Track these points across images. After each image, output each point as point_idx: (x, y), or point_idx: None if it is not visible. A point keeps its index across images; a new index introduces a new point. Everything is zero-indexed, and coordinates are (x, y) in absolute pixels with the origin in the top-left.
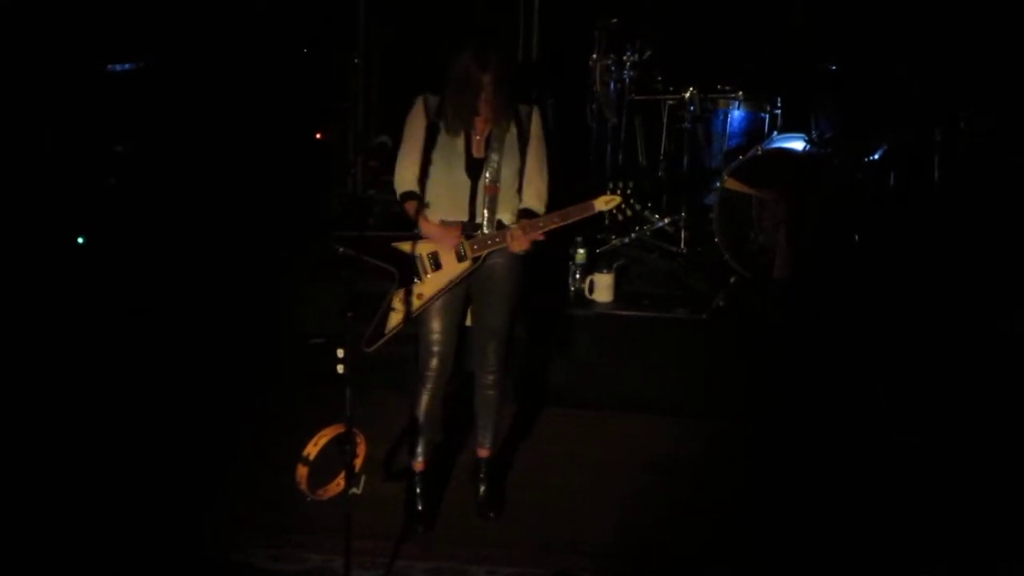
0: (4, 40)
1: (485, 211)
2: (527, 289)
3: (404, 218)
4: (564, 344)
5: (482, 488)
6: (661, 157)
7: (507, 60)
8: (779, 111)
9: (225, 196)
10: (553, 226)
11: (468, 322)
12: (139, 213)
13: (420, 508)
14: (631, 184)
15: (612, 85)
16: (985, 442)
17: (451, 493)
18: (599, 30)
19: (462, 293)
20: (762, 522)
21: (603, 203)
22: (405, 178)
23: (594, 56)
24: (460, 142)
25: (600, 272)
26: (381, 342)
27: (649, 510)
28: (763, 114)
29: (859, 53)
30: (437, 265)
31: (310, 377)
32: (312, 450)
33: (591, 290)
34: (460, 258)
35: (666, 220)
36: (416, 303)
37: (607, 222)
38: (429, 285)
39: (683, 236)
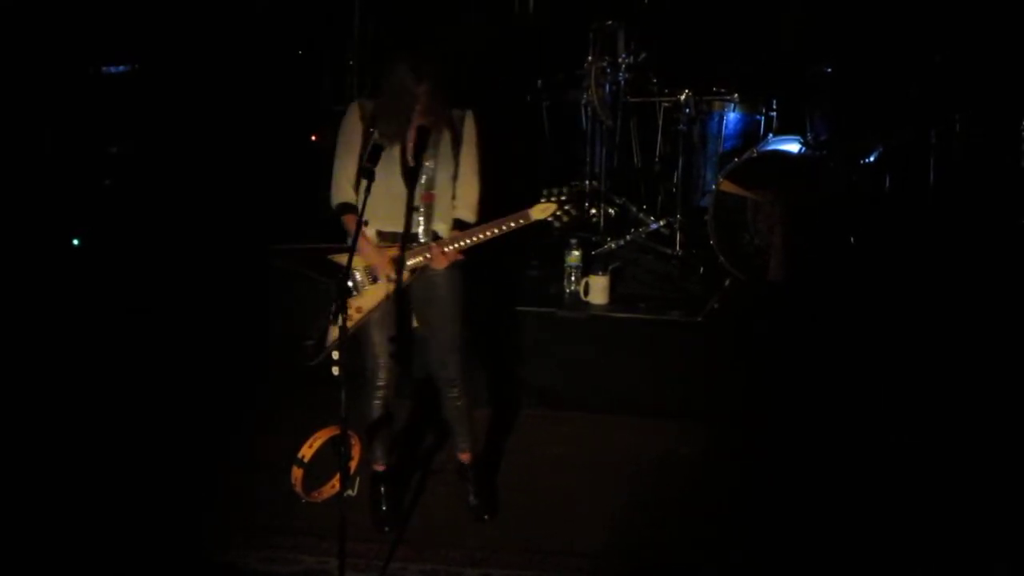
0: None
1: (421, 220)
2: (470, 294)
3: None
4: (559, 346)
5: (472, 492)
6: (656, 159)
7: (443, 69)
8: (774, 113)
9: (220, 198)
10: (478, 240)
11: (415, 324)
12: (134, 215)
13: (384, 508)
14: (564, 190)
15: (607, 87)
16: (982, 443)
17: (443, 496)
18: (594, 32)
19: (403, 302)
20: (757, 525)
21: (539, 211)
22: (342, 187)
23: (589, 58)
24: (395, 149)
25: (595, 274)
26: (323, 355)
27: (644, 513)
28: (758, 116)
29: (854, 55)
30: (374, 279)
31: (303, 377)
32: (307, 452)
33: (586, 292)
34: (398, 271)
35: (661, 222)
36: (355, 316)
37: (601, 224)
38: (367, 299)
39: (678, 238)
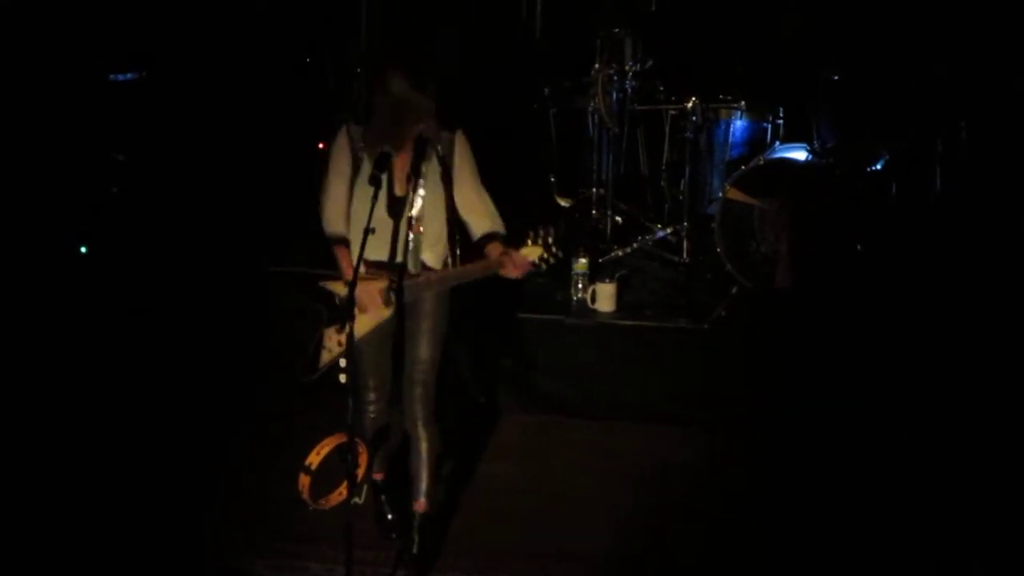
0: (5, 50)
1: (406, 249)
2: (454, 323)
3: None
4: (566, 353)
5: (415, 545)
6: (663, 167)
7: (442, 79)
8: (781, 121)
9: (226, 206)
10: (454, 281)
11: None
12: (141, 222)
13: (389, 517)
14: (551, 230)
15: (614, 95)
16: (989, 450)
17: (449, 503)
18: (601, 40)
19: (390, 328)
20: (762, 532)
21: (527, 254)
22: (332, 218)
23: (596, 66)
24: (383, 176)
25: (602, 282)
26: (315, 376)
27: (649, 519)
28: (765, 124)
29: (861, 63)
30: (362, 307)
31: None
32: (314, 459)
33: (593, 300)
34: (386, 303)
35: (668, 230)
36: (345, 343)
37: (608, 232)
38: (357, 326)
39: (685, 246)
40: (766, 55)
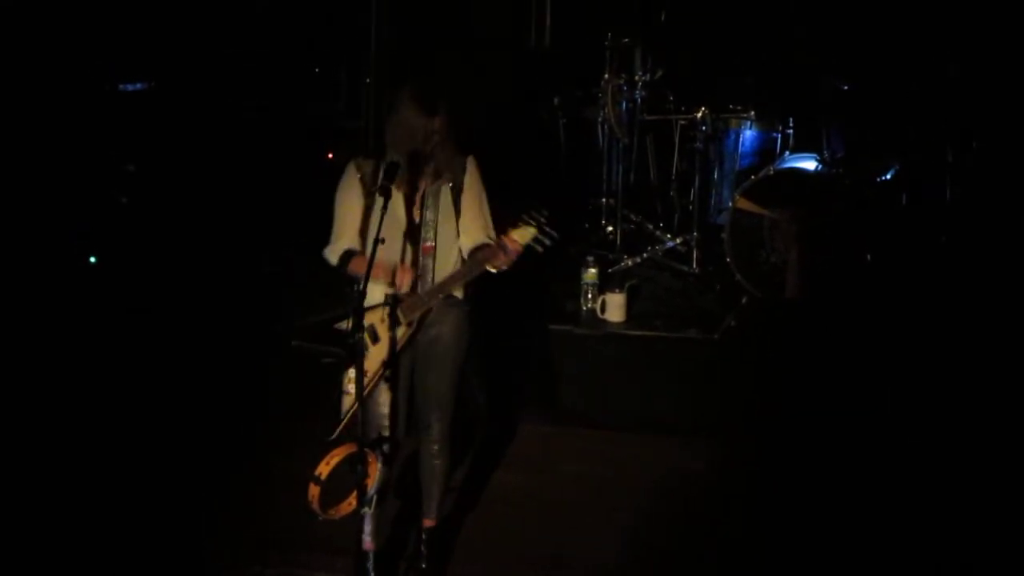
0: (15, 60)
1: (424, 277)
2: (474, 351)
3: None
4: (575, 363)
5: (424, 561)
6: (673, 177)
7: (457, 104)
8: (791, 131)
9: (236, 216)
10: (449, 288)
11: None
12: (151, 232)
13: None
14: (544, 211)
15: (624, 105)
16: (999, 458)
17: (459, 513)
18: (611, 50)
19: (407, 360)
20: (771, 542)
21: (518, 236)
22: (339, 249)
23: (606, 76)
24: (399, 205)
25: (612, 292)
26: (341, 428)
27: (659, 529)
28: (775, 134)
29: (870, 72)
30: (375, 338)
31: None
32: (324, 469)
33: (603, 310)
34: (395, 323)
35: (678, 240)
36: (364, 380)
37: (618, 242)
38: (372, 360)
39: (695, 256)
40: (776, 65)
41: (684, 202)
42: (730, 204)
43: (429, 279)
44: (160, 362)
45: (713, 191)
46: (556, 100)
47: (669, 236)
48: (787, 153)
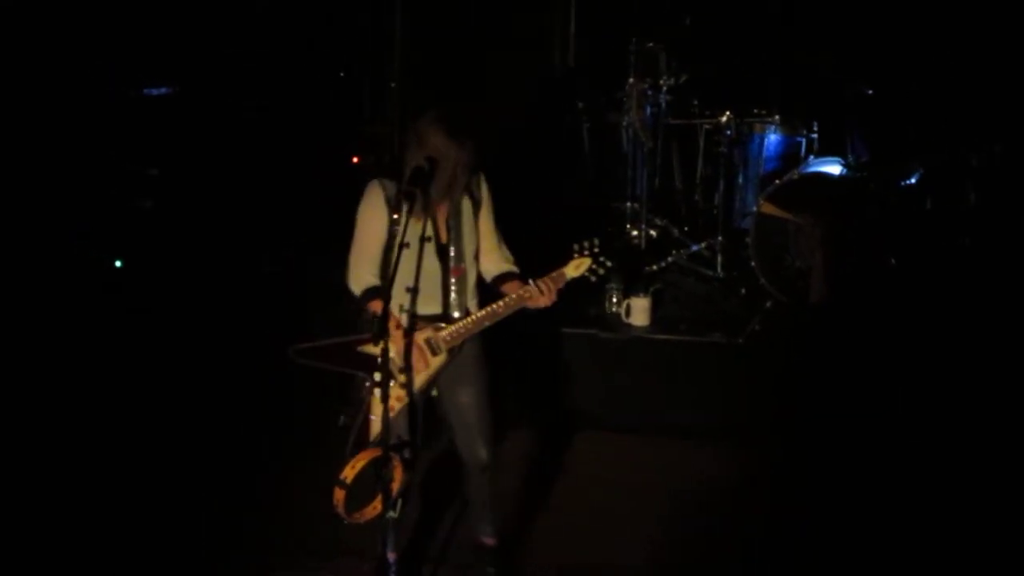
0: (41, 65)
1: (454, 297)
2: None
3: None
4: (599, 367)
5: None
6: (697, 181)
7: (479, 128)
8: (815, 135)
9: (261, 221)
10: (487, 322)
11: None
12: (175, 236)
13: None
14: (597, 242)
15: (648, 109)
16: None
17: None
18: (635, 54)
19: (443, 385)
20: (796, 547)
21: (574, 269)
22: (362, 277)
23: (630, 80)
24: (428, 227)
25: (636, 296)
26: (367, 451)
27: (681, 535)
28: (799, 138)
29: (894, 77)
30: (409, 367)
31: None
32: (349, 473)
33: (627, 314)
34: (434, 352)
35: (702, 244)
36: (396, 406)
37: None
38: (398, 384)
39: (719, 260)
40: (800, 69)
41: (708, 206)
42: (754, 208)
43: (457, 301)
44: (185, 365)
45: (737, 195)
46: (580, 105)
47: (693, 240)
48: (811, 157)
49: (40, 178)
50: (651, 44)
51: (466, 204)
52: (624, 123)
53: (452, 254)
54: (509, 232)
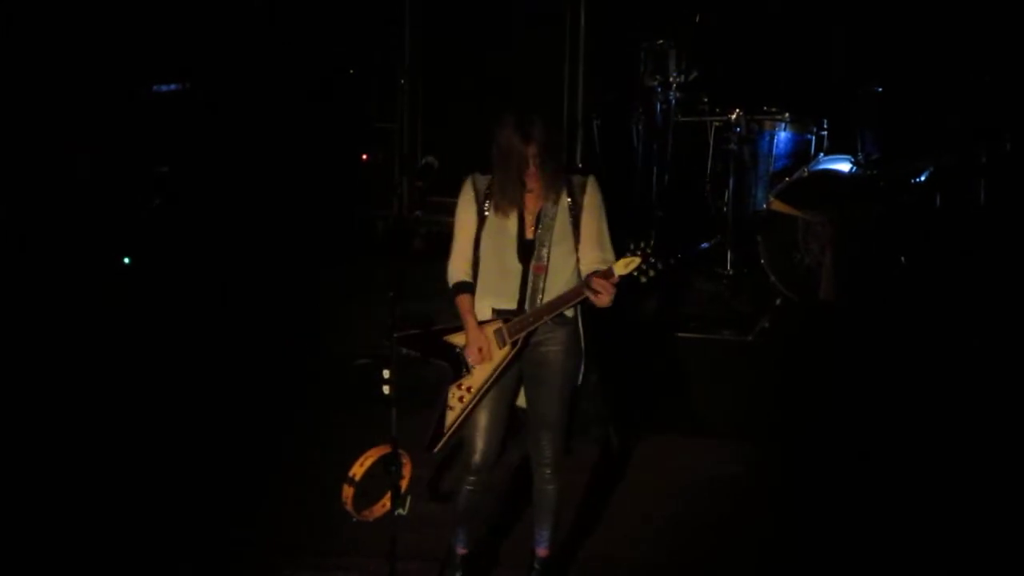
0: (51, 62)
1: (534, 296)
2: (584, 368)
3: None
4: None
5: None
6: (707, 179)
7: (552, 128)
8: (825, 133)
9: (270, 217)
10: (547, 315)
11: (522, 402)
12: (184, 233)
13: None
14: (651, 243)
15: (658, 107)
16: None
17: (501, 515)
18: (645, 52)
19: (511, 380)
20: (806, 544)
21: (623, 267)
22: (458, 268)
23: (640, 77)
24: (511, 223)
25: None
26: (443, 442)
27: (690, 532)
28: (809, 136)
29: (905, 74)
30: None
31: (354, 396)
32: (358, 471)
33: None
34: (501, 344)
35: (712, 241)
36: (467, 397)
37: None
38: (476, 377)
39: (729, 258)
40: (810, 67)
41: (718, 204)
42: (764, 206)
43: (539, 299)
44: (195, 363)
45: (747, 193)
46: (591, 102)
47: (703, 238)
48: (821, 155)
49: (49, 175)
50: (661, 41)
51: (563, 204)
52: (634, 121)
53: (538, 254)
54: None
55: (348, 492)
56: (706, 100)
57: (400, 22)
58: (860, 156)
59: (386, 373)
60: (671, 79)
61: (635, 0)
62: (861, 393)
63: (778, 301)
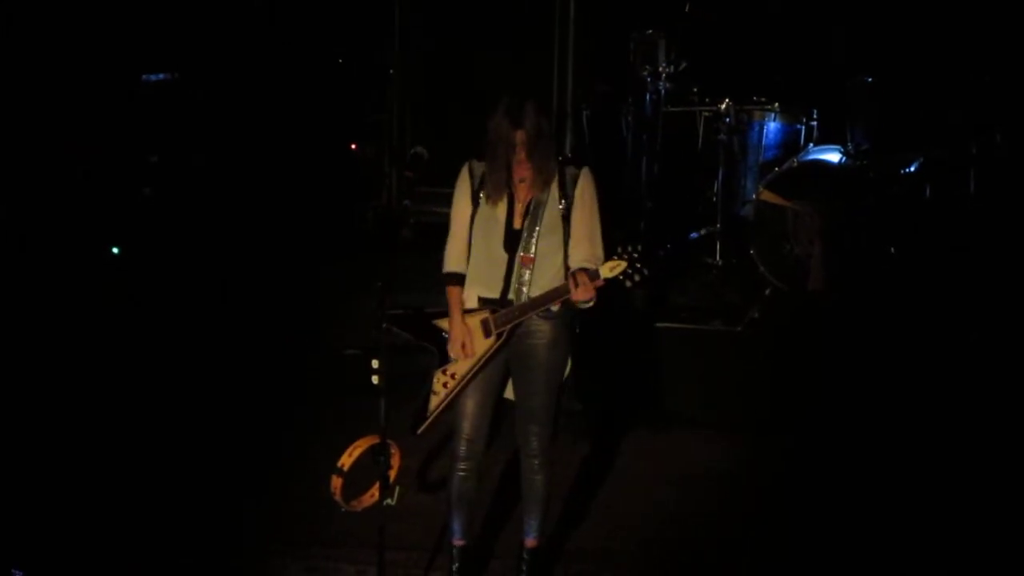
0: (40, 51)
1: (518, 287)
2: (571, 361)
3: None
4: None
5: None
6: (697, 169)
7: (543, 116)
8: (815, 123)
9: (260, 207)
10: (532, 309)
11: (510, 395)
12: (174, 224)
13: None
14: (639, 247)
15: (648, 97)
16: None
17: (497, 504)
18: (635, 42)
19: (497, 371)
20: (797, 536)
21: (608, 270)
22: (450, 256)
23: (630, 68)
24: (501, 212)
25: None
26: (426, 424)
27: (680, 523)
28: (799, 126)
29: (895, 66)
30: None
31: (343, 387)
32: (346, 461)
33: None
34: (486, 334)
35: (701, 232)
36: (451, 383)
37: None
38: (461, 364)
39: (719, 248)
40: (800, 57)
41: (708, 194)
42: (754, 196)
43: (523, 290)
44: (184, 354)
45: (737, 183)
46: (580, 92)
47: (693, 228)
48: (811, 145)
49: (38, 165)
50: (651, 32)
51: (555, 196)
52: (624, 111)
53: (525, 244)
54: None
55: (337, 482)
56: (696, 91)
57: (390, 12)
58: (850, 147)
59: (375, 363)
60: (661, 69)
61: None
62: (851, 383)
63: (768, 291)
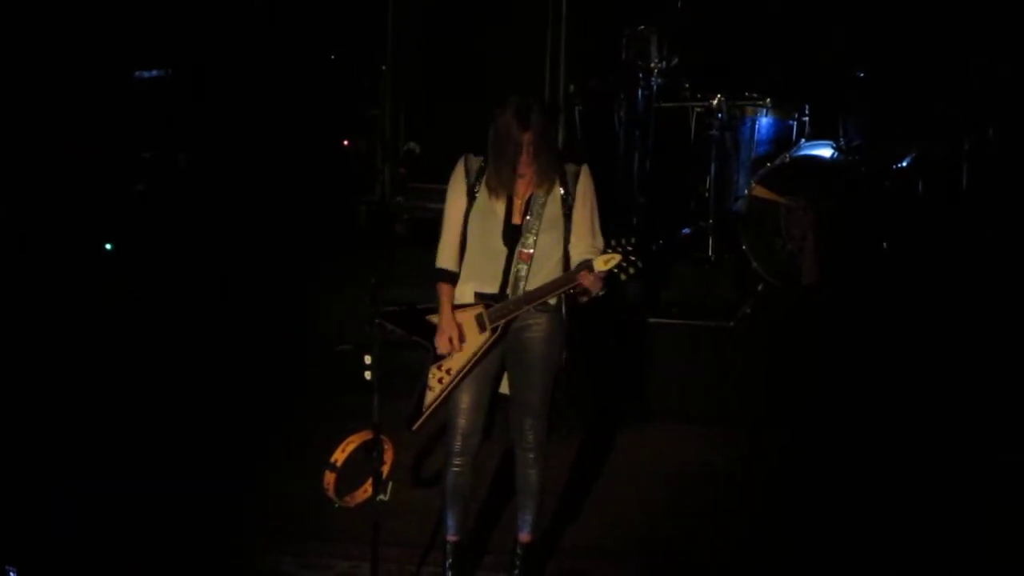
0: (33, 47)
1: (516, 282)
2: (567, 355)
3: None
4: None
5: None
6: (689, 165)
7: (548, 117)
8: (807, 118)
9: (253, 203)
10: (534, 301)
11: (505, 390)
12: (167, 220)
13: None
14: (633, 240)
15: (640, 92)
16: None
17: (491, 501)
18: (627, 37)
19: (492, 365)
20: (790, 530)
21: (603, 263)
22: (442, 252)
23: (622, 63)
24: (500, 207)
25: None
26: (422, 420)
27: (674, 518)
28: (791, 121)
29: (888, 60)
30: (461, 338)
31: (337, 384)
32: (339, 456)
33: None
34: (481, 329)
35: (694, 228)
36: (446, 379)
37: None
38: (456, 359)
39: (711, 244)
40: (792, 52)
41: (700, 190)
42: (746, 192)
43: (521, 286)
44: (178, 352)
45: (729, 179)
46: (571, 88)
47: (685, 224)
48: (803, 141)
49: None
50: (643, 27)
51: (556, 192)
52: (615, 107)
53: (524, 240)
54: None
55: (330, 478)
56: (688, 86)
57: (383, 8)
58: (842, 142)
59: (368, 359)
60: (653, 65)
61: None
62: (844, 378)
63: (760, 287)
